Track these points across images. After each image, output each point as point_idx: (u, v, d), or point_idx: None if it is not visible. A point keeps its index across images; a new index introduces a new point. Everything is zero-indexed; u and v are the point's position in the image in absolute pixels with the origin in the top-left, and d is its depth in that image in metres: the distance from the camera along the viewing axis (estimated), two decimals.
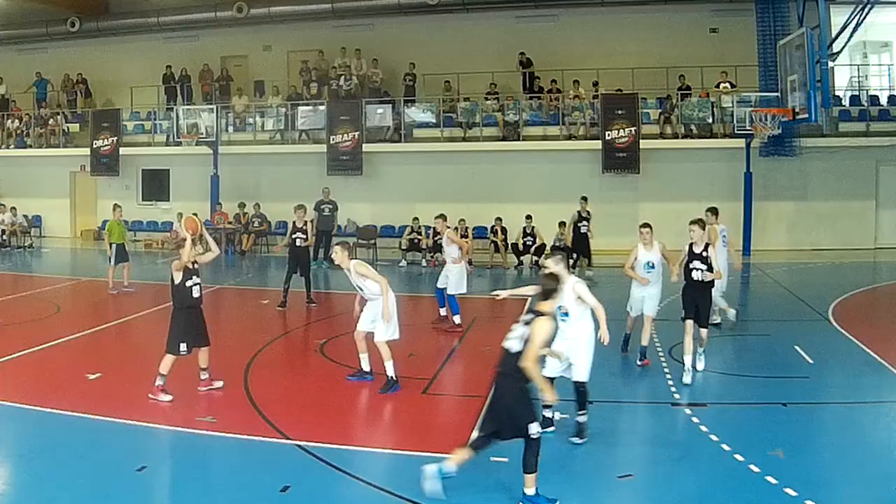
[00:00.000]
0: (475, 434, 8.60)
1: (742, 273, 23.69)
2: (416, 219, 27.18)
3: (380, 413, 11.03)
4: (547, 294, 8.46)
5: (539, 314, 8.21)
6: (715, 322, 15.90)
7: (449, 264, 16.58)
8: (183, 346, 11.44)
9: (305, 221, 19.21)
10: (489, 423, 8.34)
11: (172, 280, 11.59)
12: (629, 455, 9.64)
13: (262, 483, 8.54)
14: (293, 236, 18.86)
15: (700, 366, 12.56)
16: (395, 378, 11.80)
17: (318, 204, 26.95)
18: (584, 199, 24.16)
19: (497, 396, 8.25)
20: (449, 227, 17.14)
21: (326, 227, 26.83)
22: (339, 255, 11.97)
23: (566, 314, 10.06)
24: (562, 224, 24.96)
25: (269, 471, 8.87)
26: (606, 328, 10.10)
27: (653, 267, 13.24)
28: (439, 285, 16.69)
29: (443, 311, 16.72)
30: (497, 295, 11.24)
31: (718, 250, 13.91)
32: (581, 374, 10.17)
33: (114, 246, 20.93)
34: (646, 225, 13.53)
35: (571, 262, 23.86)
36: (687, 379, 12.04)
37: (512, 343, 8.22)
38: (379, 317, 11.88)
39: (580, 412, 10.12)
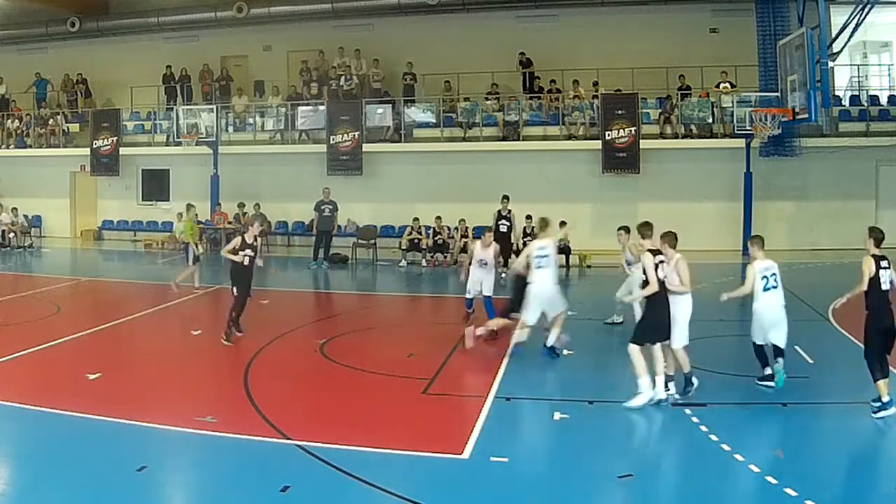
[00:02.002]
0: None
1: (742, 273, 23.69)
2: (416, 219, 27.15)
3: (380, 413, 11.02)
4: (878, 242, 10.85)
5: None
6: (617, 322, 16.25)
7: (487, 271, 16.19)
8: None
9: (256, 237, 15.74)
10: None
11: None
12: (629, 455, 9.64)
13: (261, 483, 8.54)
14: (242, 252, 15.21)
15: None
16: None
17: (318, 204, 26.91)
18: (506, 198, 24.27)
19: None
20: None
21: (326, 227, 26.79)
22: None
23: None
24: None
25: (269, 471, 8.87)
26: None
27: None
28: (486, 293, 16.11)
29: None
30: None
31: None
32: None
33: (190, 246, 20.95)
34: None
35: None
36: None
37: (887, 284, 10.59)
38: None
39: None
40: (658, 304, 11.24)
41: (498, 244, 21.97)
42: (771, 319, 11.66)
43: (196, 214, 22.25)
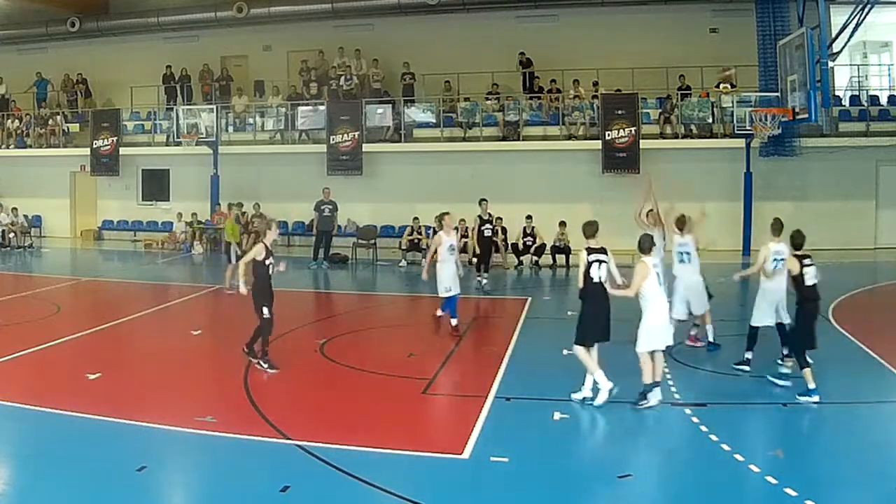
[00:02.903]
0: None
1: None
2: (416, 218, 27.12)
3: (380, 413, 11.02)
4: (798, 246, 11.95)
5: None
6: None
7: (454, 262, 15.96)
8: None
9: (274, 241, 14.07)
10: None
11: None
12: (629, 455, 9.65)
13: (261, 483, 8.55)
14: (268, 262, 13.44)
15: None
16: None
17: (318, 204, 26.88)
18: (485, 201, 23.12)
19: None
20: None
21: (326, 227, 26.76)
22: None
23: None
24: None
25: (269, 471, 8.88)
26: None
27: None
28: (456, 290, 15.82)
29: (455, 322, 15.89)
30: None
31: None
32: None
33: (233, 245, 20.94)
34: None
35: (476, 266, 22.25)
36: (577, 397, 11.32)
37: (812, 279, 11.71)
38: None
39: None
40: (592, 304, 11.32)
41: (482, 248, 21.78)
42: (780, 298, 12.75)
43: (239, 214, 22.19)
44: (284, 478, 8.58)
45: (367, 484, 8.45)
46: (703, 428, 10.10)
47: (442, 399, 11.98)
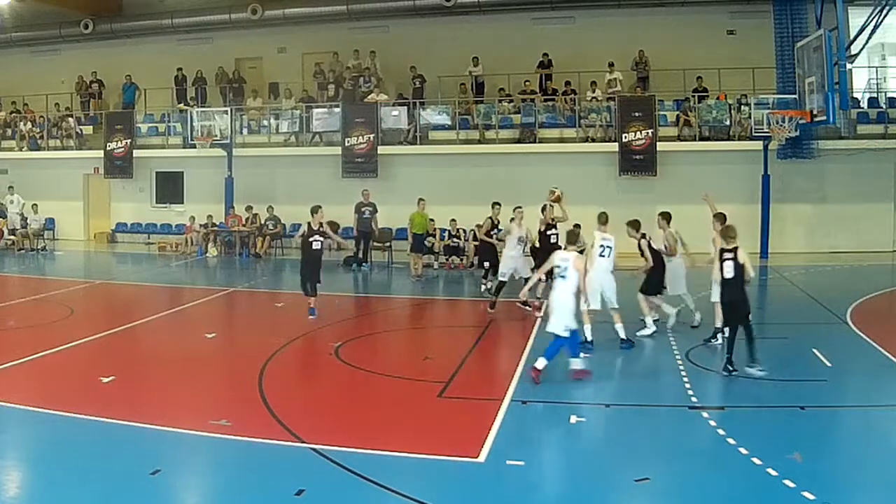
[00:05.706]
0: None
1: (760, 276, 23.56)
2: (431, 220, 26.98)
3: (395, 416, 10.96)
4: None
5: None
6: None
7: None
8: None
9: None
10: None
11: None
12: (646, 458, 9.53)
13: (276, 487, 8.48)
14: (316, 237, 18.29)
15: None
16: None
17: (358, 206, 26.25)
18: (497, 204, 22.60)
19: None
20: None
21: (365, 228, 26.41)
22: None
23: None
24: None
25: (284, 474, 8.82)
26: None
27: None
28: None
29: None
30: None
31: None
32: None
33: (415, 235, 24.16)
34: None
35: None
36: None
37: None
38: None
39: None
40: None
41: (485, 253, 21.77)
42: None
43: (424, 207, 24.93)
44: (299, 481, 8.51)
45: (383, 487, 8.39)
46: (721, 431, 10.01)
47: (458, 402, 11.87)
